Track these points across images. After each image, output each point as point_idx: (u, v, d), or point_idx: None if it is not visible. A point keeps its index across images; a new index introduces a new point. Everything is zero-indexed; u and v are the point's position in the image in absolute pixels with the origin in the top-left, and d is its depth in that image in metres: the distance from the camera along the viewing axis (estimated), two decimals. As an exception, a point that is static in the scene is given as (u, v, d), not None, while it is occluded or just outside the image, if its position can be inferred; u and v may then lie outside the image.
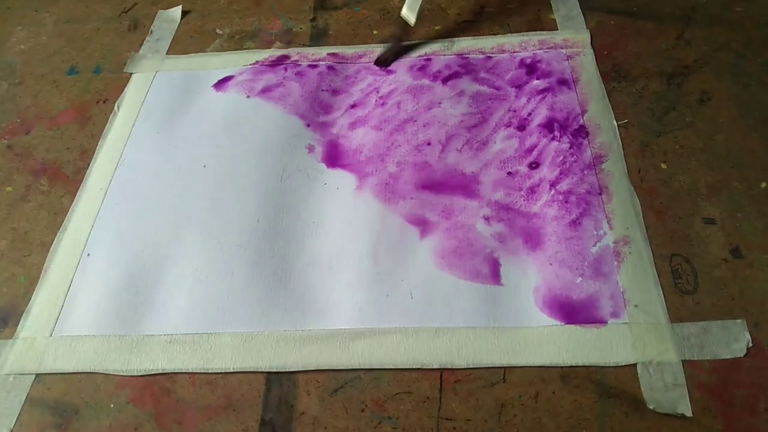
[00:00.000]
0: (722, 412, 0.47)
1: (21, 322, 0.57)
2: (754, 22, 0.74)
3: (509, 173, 0.63)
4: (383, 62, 0.74)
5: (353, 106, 0.72)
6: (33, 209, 0.66)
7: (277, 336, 0.54)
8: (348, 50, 0.78)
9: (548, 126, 0.66)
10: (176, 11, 0.87)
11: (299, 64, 0.76)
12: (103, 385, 0.53)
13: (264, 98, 0.73)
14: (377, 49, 0.77)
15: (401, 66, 0.75)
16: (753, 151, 0.63)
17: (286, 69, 0.76)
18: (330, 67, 0.76)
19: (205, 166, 0.67)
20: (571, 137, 0.65)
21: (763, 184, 0.60)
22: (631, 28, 0.76)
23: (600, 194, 0.60)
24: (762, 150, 0.62)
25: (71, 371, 0.54)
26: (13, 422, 0.51)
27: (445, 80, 0.72)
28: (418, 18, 0.72)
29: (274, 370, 0.52)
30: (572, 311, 0.53)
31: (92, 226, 0.63)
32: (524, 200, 0.61)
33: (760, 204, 0.59)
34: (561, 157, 0.63)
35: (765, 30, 0.73)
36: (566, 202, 0.60)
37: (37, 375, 0.54)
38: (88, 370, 0.53)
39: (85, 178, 0.67)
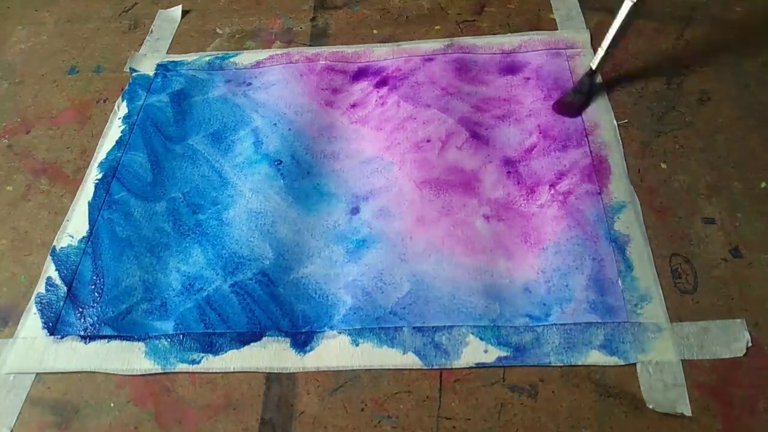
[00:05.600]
0: (721, 412, 0.47)
1: (21, 321, 0.57)
2: (754, 22, 0.74)
3: (509, 172, 0.63)
4: (572, 109, 0.67)
5: (353, 105, 0.71)
6: (33, 209, 0.66)
7: (277, 338, 0.54)
8: (348, 50, 0.78)
9: (548, 126, 0.66)
10: (176, 11, 0.87)
11: (299, 64, 0.76)
12: (104, 385, 0.53)
13: (265, 98, 0.73)
14: (376, 49, 0.77)
15: (402, 63, 0.75)
16: (753, 151, 0.63)
17: (285, 69, 0.76)
18: (330, 67, 0.76)
19: (208, 164, 0.67)
20: (571, 137, 0.65)
21: (763, 184, 0.60)
22: (631, 28, 0.76)
23: (599, 194, 0.60)
24: (761, 150, 0.62)
25: (71, 370, 0.54)
26: (14, 421, 0.51)
27: (445, 79, 0.72)
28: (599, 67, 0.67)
29: (275, 371, 0.52)
30: (572, 310, 0.53)
31: (92, 225, 0.63)
32: (524, 200, 0.61)
33: (759, 204, 0.59)
34: (561, 158, 0.63)
35: (765, 30, 0.73)
36: (566, 202, 0.60)
37: (38, 374, 0.54)
38: (89, 370, 0.53)
39: (85, 178, 0.67)
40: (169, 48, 0.82)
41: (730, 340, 0.51)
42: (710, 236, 0.57)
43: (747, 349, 0.50)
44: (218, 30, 0.84)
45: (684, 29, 0.75)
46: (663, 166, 0.62)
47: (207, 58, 0.79)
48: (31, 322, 0.57)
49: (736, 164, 0.62)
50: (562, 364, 0.51)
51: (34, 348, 0.55)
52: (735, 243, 0.56)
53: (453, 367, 0.51)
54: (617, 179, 0.61)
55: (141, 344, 0.54)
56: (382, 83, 0.73)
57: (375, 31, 0.81)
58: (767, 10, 0.75)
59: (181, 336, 0.54)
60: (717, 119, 0.66)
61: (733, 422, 0.47)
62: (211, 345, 0.54)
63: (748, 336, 0.50)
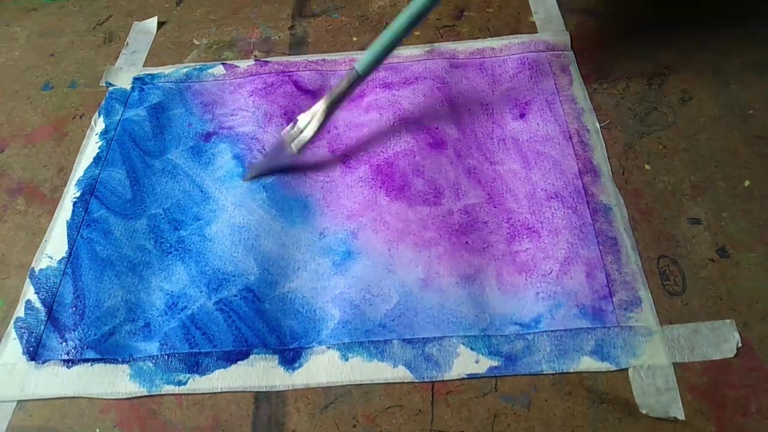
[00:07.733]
0: (714, 414, 0.47)
1: (0, 347, 0.55)
2: (733, 21, 0.74)
3: (493, 179, 0.62)
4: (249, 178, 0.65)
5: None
6: (10, 230, 0.64)
7: (265, 356, 0.53)
8: (327, 58, 0.77)
9: (531, 130, 0.66)
10: (152, 22, 0.85)
11: (278, 74, 0.75)
12: (88, 410, 0.52)
13: (244, 109, 0.72)
14: (356, 56, 0.76)
15: (382, 71, 0.74)
16: (735, 149, 0.63)
17: (263, 78, 0.75)
18: (309, 76, 0.75)
19: (188, 178, 0.66)
20: (554, 141, 0.64)
21: (747, 183, 0.60)
22: (611, 29, 0.76)
23: (585, 197, 0.60)
24: (744, 148, 0.63)
25: (54, 396, 0.52)
26: (-5, 452, 0.50)
27: (425, 86, 0.71)
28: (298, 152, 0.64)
29: (264, 390, 0.51)
30: (561, 316, 0.52)
31: (71, 245, 0.61)
32: (508, 206, 0.60)
33: (744, 202, 0.59)
34: (544, 161, 0.63)
35: (744, 29, 0.73)
36: (551, 207, 0.59)
37: (19, 402, 0.52)
38: (72, 395, 0.52)
39: (63, 196, 0.66)
40: (145, 61, 0.80)
41: (720, 341, 0.51)
42: (697, 237, 0.57)
43: (737, 349, 0.50)
44: (195, 41, 0.83)
45: (663, 29, 0.75)
46: (647, 167, 0.62)
47: (184, 70, 0.77)
48: (11, 347, 0.55)
49: (719, 163, 0.62)
50: (554, 372, 0.50)
51: (14, 374, 0.53)
52: (721, 243, 0.56)
53: (444, 378, 0.51)
54: (602, 182, 0.61)
55: (125, 366, 0.53)
56: (361, 91, 0.72)
57: (354, 39, 0.80)
58: (746, 10, 0.75)
59: (166, 357, 0.53)
60: (699, 119, 0.66)
61: (725, 424, 0.47)
62: (197, 365, 0.53)
63: (737, 336, 0.50)
